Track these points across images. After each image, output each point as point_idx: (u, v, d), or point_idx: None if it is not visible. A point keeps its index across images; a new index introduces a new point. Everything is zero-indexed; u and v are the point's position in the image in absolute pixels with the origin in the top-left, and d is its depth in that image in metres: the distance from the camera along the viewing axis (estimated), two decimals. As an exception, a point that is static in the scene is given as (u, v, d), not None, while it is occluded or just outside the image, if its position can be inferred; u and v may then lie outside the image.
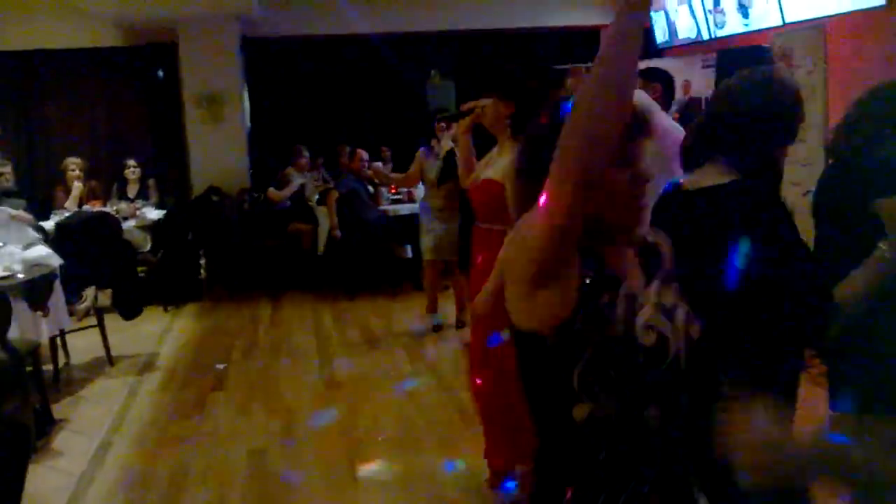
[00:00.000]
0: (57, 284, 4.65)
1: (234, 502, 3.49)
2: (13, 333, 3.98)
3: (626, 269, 1.34)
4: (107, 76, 9.04)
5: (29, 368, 4.25)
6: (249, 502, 3.49)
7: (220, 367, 5.36)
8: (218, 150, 8.43)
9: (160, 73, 9.04)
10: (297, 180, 7.94)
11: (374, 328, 6.21)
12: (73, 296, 5.15)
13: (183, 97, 8.43)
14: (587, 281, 1.26)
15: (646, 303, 1.31)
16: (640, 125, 1.32)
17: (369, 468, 3.74)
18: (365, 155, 7.22)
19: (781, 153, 1.98)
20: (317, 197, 7.86)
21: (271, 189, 7.80)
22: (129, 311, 5.57)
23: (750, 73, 2.00)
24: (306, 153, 8.19)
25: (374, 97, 9.38)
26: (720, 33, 7.26)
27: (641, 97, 3.17)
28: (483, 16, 8.92)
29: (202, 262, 7.81)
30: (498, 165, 3.12)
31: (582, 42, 9.00)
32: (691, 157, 1.99)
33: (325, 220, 7.39)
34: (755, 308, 1.75)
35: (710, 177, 1.90)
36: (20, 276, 4.38)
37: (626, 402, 1.29)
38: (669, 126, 2.98)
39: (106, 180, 7.98)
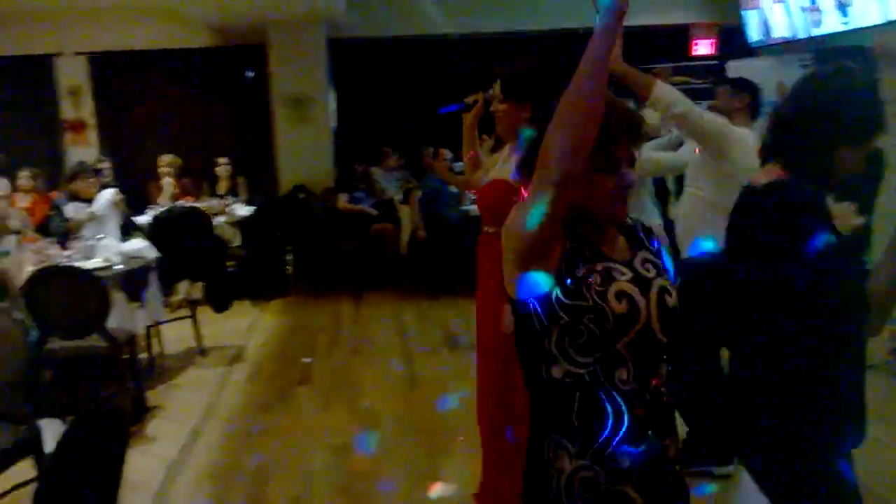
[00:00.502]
0: (153, 276, 4.82)
1: (316, 497, 3.54)
2: (111, 323, 4.15)
3: (610, 246, 1.55)
4: (200, 76, 9.34)
5: (126, 357, 4.43)
6: (331, 498, 3.54)
7: (307, 360, 5.47)
8: (304, 150, 8.61)
9: (250, 74, 9.29)
10: (381, 180, 8.04)
11: (456, 328, 6.22)
12: (167, 288, 5.34)
13: (272, 98, 8.64)
14: (565, 256, 1.47)
15: (623, 275, 1.49)
16: (628, 131, 1.51)
17: (449, 467, 3.74)
18: (448, 155, 7.24)
19: (843, 155, 1.88)
20: (400, 197, 7.93)
21: (341, 198, 7.88)
22: (220, 304, 5.75)
23: (817, 70, 2.01)
24: (393, 154, 8.27)
25: (458, 98, 9.37)
26: (816, 32, 6.99)
27: (715, 119, 3.17)
28: (571, 15, 8.80)
29: (289, 258, 7.98)
30: (507, 167, 2.89)
31: (667, 41, 8.82)
32: (762, 155, 2.03)
33: (408, 219, 7.44)
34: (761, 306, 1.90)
35: (765, 175, 1.96)
36: (118, 267, 4.56)
37: (597, 362, 1.48)
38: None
39: (197, 177, 8.26)
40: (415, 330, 6.29)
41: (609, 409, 1.49)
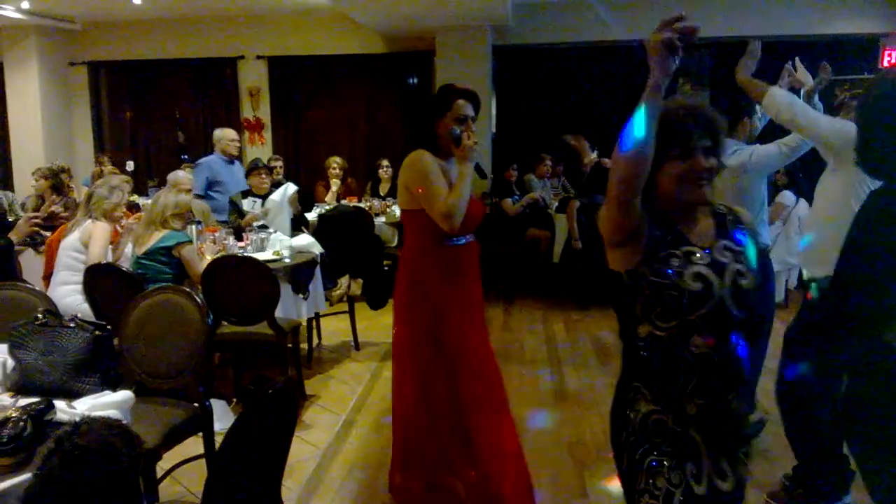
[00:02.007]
0: (317, 270, 5.05)
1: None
2: (278, 312, 4.38)
3: (695, 231, 1.83)
4: (367, 81, 9.69)
5: (289, 345, 4.66)
6: None
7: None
8: (464, 155, 8.69)
9: (414, 80, 9.54)
10: (536, 187, 8.01)
11: (606, 341, 6.09)
12: (329, 282, 5.56)
13: (435, 102, 8.81)
14: (650, 240, 1.77)
15: (701, 259, 1.76)
16: (701, 125, 1.79)
17: (597, 482, 3.66)
18: (609, 163, 7.09)
19: None
20: (556, 205, 7.87)
21: (507, 201, 7.90)
22: (377, 301, 5.92)
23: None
24: (549, 161, 8.22)
25: (620, 106, 9.17)
26: None
27: (837, 123, 3.10)
28: (745, 23, 8.40)
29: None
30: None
31: (856, 51, 8.22)
32: None
33: (563, 228, 7.36)
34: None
35: None
36: (287, 260, 4.81)
37: (675, 328, 1.76)
38: None
39: (361, 178, 8.57)
40: (564, 340, 6.21)
41: (682, 366, 1.76)
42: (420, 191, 3.05)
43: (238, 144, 6.70)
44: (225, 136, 6.54)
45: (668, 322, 1.76)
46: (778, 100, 3.28)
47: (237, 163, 6.74)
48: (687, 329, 1.75)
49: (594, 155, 6.04)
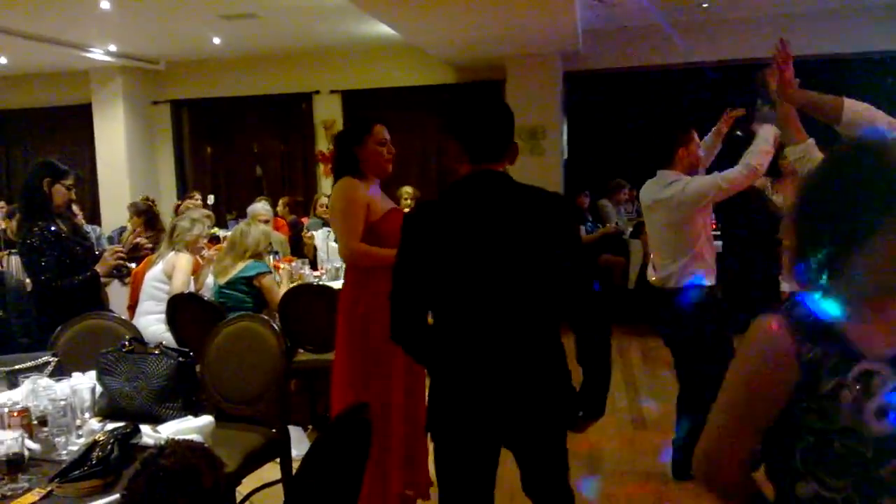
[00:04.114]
0: (390, 299, 5.08)
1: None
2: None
3: (870, 338, 1.22)
4: (438, 111, 9.80)
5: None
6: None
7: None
8: (536, 182, 8.61)
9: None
10: (611, 213, 7.93)
11: (685, 369, 5.93)
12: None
13: (506, 130, 8.84)
14: (805, 367, 1.21)
15: (887, 380, 1.18)
16: None
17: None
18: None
19: None
20: (630, 230, 7.76)
21: (580, 228, 7.84)
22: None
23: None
24: (626, 188, 8.14)
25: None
26: None
27: None
28: (817, 42, 8.17)
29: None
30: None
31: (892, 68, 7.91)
32: None
33: (638, 252, 7.25)
34: None
35: None
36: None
37: (854, 490, 1.21)
38: None
39: (433, 207, 8.63)
40: (641, 368, 6.08)
41: None
42: (337, 222, 3.35)
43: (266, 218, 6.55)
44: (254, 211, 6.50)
45: (843, 481, 1.23)
46: (864, 109, 2.58)
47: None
48: (871, 493, 1.22)
49: None
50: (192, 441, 1.69)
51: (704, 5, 7.78)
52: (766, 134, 3.61)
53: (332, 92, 9.93)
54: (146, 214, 6.85)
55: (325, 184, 9.78)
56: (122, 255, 4.06)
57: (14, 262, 4.99)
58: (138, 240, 5.02)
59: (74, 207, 4.98)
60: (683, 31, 8.15)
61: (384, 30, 7.59)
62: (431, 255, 2.22)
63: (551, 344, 2.26)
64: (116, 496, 1.93)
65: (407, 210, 7.83)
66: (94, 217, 9.89)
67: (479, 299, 2.17)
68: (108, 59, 9.11)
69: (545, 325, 2.25)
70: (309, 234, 6.43)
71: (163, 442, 1.64)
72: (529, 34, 7.47)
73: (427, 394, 2.43)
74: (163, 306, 4.44)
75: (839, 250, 1.22)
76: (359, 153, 3.36)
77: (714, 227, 4.19)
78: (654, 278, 3.93)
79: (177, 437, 1.89)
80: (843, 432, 1.20)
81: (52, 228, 3.81)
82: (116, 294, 5.71)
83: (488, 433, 2.22)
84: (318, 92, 9.98)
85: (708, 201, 3.70)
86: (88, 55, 8.74)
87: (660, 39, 8.32)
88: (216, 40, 8.60)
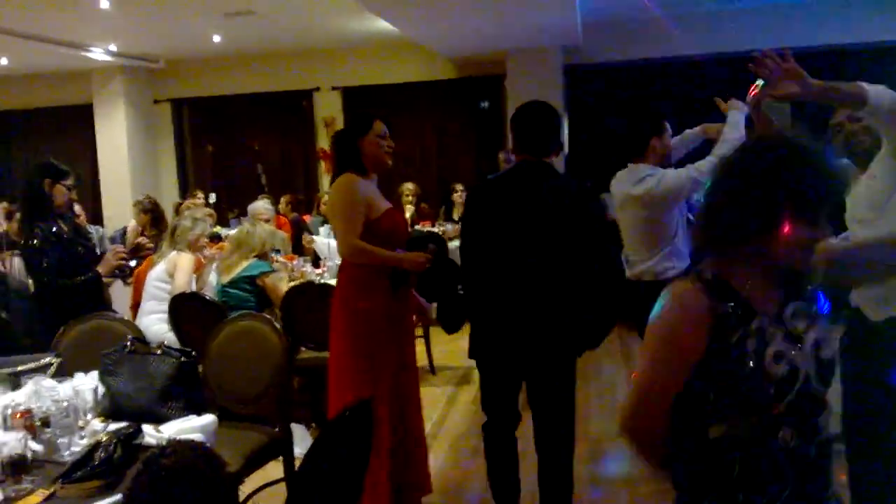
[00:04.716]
0: (392, 296, 5.08)
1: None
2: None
3: (762, 299, 1.49)
4: (439, 106, 9.80)
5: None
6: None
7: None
8: (536, 176, 8.67)
9: (485, 104, 9.58)
10: (611, 206, 7.90)
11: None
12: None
13: (507, 126, 8.83)
14: (715, 323, 1.45)
15: (776, 332, 1.46)
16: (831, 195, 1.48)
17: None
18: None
19: None
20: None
21: None
22: (452, 325, 5.90)
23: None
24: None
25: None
26: None
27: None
28: (820, 32, 8.14)
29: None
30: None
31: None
32: None
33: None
34: None
35: None
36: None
37: (758, 425, 1.45)
38: None
39: (435, 203, 8.63)
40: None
41: (770, 469, 1.44)
42: (337, 218, 3.37)
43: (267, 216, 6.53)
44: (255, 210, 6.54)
45: (749, 419, 1.46)
46: (883, 89, 2.30)
47: None
48: (772, 425, 1.45)
49: None
50: (193, 441, 1.69)
51: (704, -2, 7.77)
52: (736, 120, 3.59)
53: (334, 89, 9.92)
54: (152, 213, 6.86)
55: (326, 181, 9.76)
56: (123, 255, 4.06)
57: (16, 264, 4.99)
58: (140, 239, 5.03)
59: (77, 208, 4.99)
60: (682, 22, 8.11)
61: (384, 26, 7.58)
62: (483, 223, 3.06)
63: (568, 295, 2.92)
64: (119, 496, 1.94)
65: (409, 206, 7.88)
66: (96, 217, 9.91)
67: (515, 259, 2.93)
68: (108, 58, 9.11)
69: (565, 281, 2.91)
70: (309, 239, 6.42)
71: (165, 442, 1.64)
72: (530, 28, 7.46)
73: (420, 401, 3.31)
74: (165, 306, 4.45)
75: (738, 238, 1.49)
76: (361, 147, 3.38)
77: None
78: (628, 273, 3.89)
79: (179, 437, 1.90)
80: (749, 376, 1.43)
81: (54, 229, 3.81)
82: (120, 294, 5.72)
83: (516, 360, 3.04)
84: (318, 89, 9.97)
85: (685, 194, 3.69)
86: (89, 55, 8.74)
87: (661, 33, 8.29)
88: (216, 38, 8.59)
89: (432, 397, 5.31)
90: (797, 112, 2.75)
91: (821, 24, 8.20)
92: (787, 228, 1.44)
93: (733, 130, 3.58)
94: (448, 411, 5.05)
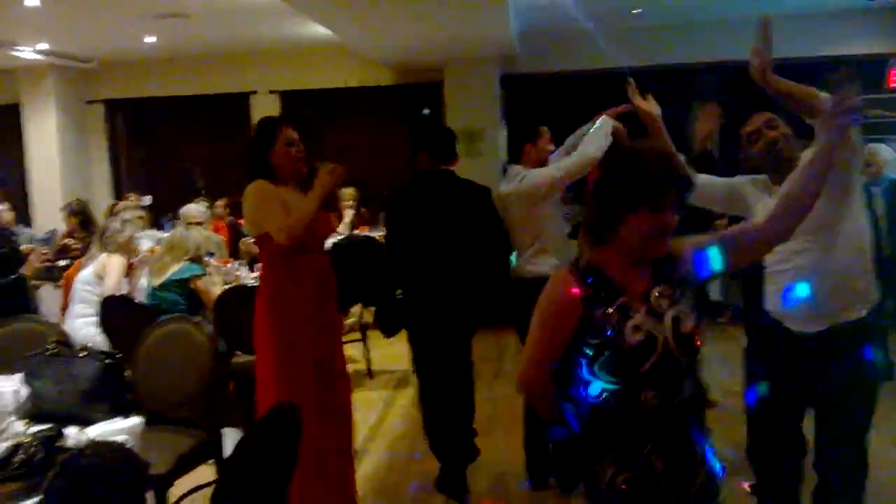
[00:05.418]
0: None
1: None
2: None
3: (630, 282, 1.78)
4: (378, 112, 9.81)
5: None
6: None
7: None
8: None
9: (426, 111, 9.63)
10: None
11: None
12: (341, 311, 5.57)
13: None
14: (584, 301, 1.76)
15: (640, 307, 1.75)
16: (675, 182, 1.76)
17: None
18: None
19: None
20: (568, 230, 7.87)
21: None
22: (389, 329, 5.92)
23: None
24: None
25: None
26: None
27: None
28: (748, 46, 8.41)
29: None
30: None
31: (863, 71, 8.22)
32: None
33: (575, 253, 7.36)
34: None
35: None
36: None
37: (623, 385, 1.72)
38: None
39: (374, 208, 8.62)
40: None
41: (633, 425, 1.73)
42: (259, 214, 3.16)
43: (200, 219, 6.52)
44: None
45: (615, 380, 1.73)
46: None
47: None
48: (635, 386, 1.72)
49: None
50: (112, 442, 1.68)
51: (635, 11, 7.97)
52: (602, 122, 3.78)
53: (271, 92, 9.84)
54: (81, 215, 6.70)
55: (265, 185, 9.67)
56: (47, 257, 3.97)
57: (-63, 266, 4.83)
58: (66, 241, 4.92)
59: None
60: (616, 35, 8.30)
61: (323, 31, 7.56)
62: (404, 223, 3.77)
63: (477, 278, 3.69)
64: (38, 499, 1.90)
65: (349, 211, 7.85)
66: (25, 219, 9.61)
67: (431, 250, 3.64)
68: (37, 57, 8.85)
69: (473, 267, 3.65)
70: (246, 242, 6.32)
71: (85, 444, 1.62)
72: (465, 39, 7.53)
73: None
74: (94, 309, 4.36)
75: (609, 225, 1.77)
76: (270, 158, 3.24)
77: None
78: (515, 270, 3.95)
79: (100, 439, 1.88)
80: (611, 344, 1.72)
81: (-25, 231, 3.71)
82: (50, 297, 5.58)
83: (439, 326, 3.81)
84: (255, 92, 9.87)
85: (546, 192, 3.76)
86: (15, 53, 8.49)
87: (595, 44, 8.46)
88: (149, 39, 8.43)
89: (370, 401, 5.32)
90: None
91: (748, 35, 8.48)
92: (633, 217, 1.74)
93: (599, 129, 3.77)
94: (386, 414, 5.06)
